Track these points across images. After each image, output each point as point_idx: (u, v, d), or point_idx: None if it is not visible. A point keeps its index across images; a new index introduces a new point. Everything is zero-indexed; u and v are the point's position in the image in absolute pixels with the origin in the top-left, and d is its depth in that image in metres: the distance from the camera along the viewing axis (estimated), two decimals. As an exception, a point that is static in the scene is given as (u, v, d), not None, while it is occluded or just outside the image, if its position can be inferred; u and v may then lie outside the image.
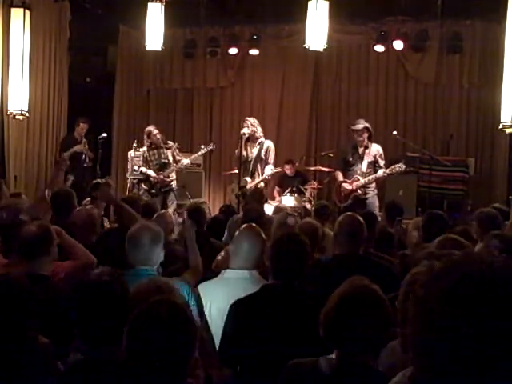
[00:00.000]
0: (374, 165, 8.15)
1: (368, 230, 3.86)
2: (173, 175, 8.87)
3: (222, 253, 4.30)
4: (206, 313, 3.22)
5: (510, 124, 7.53)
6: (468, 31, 10.17)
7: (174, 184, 8.89)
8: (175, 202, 8.83)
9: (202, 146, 9.09)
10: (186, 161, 8.84)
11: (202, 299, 3.24)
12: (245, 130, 8.54)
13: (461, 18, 10.00)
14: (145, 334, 1.86)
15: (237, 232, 3.48)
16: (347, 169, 8.28)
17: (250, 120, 8.70)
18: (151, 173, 8.71)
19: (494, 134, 9.82)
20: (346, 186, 8.20)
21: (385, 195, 9.42)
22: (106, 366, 2.18)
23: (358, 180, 8.10)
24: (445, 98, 10.61)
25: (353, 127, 8.40)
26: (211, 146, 9.09)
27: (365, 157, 8.13)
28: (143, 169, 8.80)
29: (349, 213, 4.07)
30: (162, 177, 8.70)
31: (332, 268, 3.59)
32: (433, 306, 0.97)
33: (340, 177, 8.33)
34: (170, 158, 8.81)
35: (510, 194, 9.13)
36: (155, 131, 8.78)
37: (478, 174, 10.11)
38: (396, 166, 8.06)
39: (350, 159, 8.24)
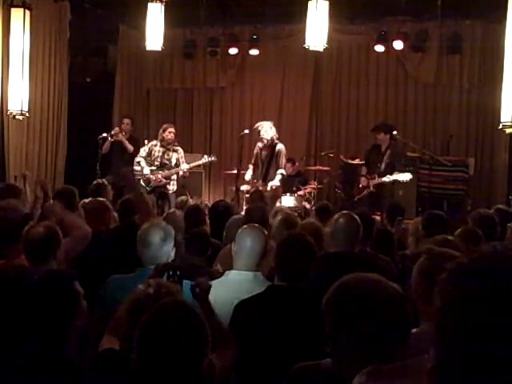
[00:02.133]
0: (391, 166, 8.59)
1: (364, 230, 3.85)
2: (173, 178, 8.84)
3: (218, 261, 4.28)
4: None
5: (510, 124, 7.53)
6: (468, 31, 10.18)
7: (171, 187, 8.84)
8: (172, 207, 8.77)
9: (205, 156, 9.08)
10: (184, 166, 8.82)
11: None
12: (266, 136, 8.42)
13: (461, 18, 10.00)
14: (156, 337, 1.84)
15: (239, 231, 3.46)
16: (370, 165, 8.84)
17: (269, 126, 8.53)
18: (146, 170, 8.70)
19: (494, 134, 9.82)
20: (363, 180, 8.73)
21: (385, 195, 9.42)
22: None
23: (375, 178, 8.56)
24: (445, 98, 10.61)
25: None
26: (212, 158, 9.04)
27: (384, 157, 8.66)
28: (142, 162, 8.74)
29: (345, 211, 4.07)
30: (159, 176, 8.68)
31: (327, 266, 3.58)
32: (472, 308, 0.91)
33: (363, 171, 8.91)
34: (173, 161, 8.80)
35: (510, 194, 9.14)
36: (172, 129, 8.83)
37: (477, 173, 10.12)
38: (401, 175, 8.34)
39: (372, 157, 8.86)
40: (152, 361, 1.83)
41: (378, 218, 7.03)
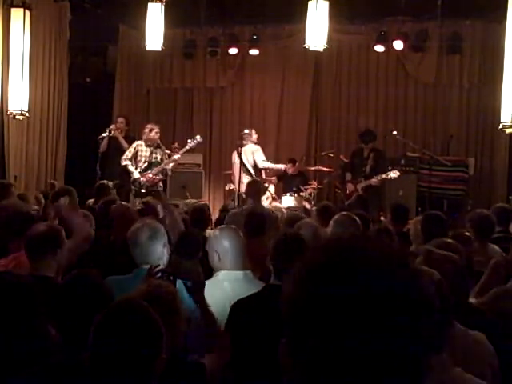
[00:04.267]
0: (375, 168, 8.78)
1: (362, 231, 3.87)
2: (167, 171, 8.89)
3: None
4: None
5: (510, 124, 7.53)
6: (468, 31, 10.17)
7: (161, 184, 8.86)
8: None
9: (189, 140, 9.01)
10: (175, 156, 8.81)
11: None
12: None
13: (461, 18, 10.00)
14: (106, 337, 1.85)
15: (215, 234, 3.49)
16: (354, 170, 9.02)
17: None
18: (136, 174, 8.61)
19: (494, 134, 9.81)
20: (350, 186, 8.91)
21: (385, 195, 9.45)
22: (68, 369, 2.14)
23: (361, 181, 8.76)
24: (445, 98, 10.61)
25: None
26: (198, 139, 8.99)
27: (368, 161, 8.84)
28: (130, 167, 8.64)
29: (344, 212, 4.08)
30: (150, 175, 8.63)
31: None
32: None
33: (348, 177, 9.10)
34: (159, 157, 8.78)
35: (510, 194, 9.14)
36: (157, 129, 8.79)
37: (477, 173, 10.11)
38: (390, 172, 8.55)
39: (355, 162, 9.04)
40: (103, 357, 1.85)
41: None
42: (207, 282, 3.38)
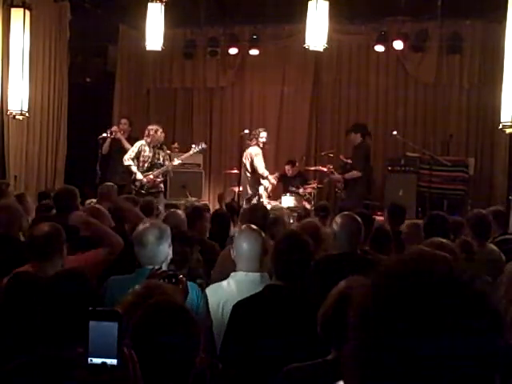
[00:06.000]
0: (351, 165, 9.16)
1: (364, 229, 3.88)
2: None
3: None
4: (219, 314, 3.21)
5: (510, 124, 7.52)
6: (468, 31, 10.18)
7: (162, 185, 8.84)
8: (163, 203, 8.74)
9: (193, 146, 9.01)
10: (176, 161, 8.80)
11: (214, 300, 3.24)
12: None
13: (461, 18, 10.01)
14: (149, 337, 1.84)
15: (236, 235, 3.49)
16: None
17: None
18: (139, 175, 8.57)
19: (494, 134, 9.81)
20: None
21: (384, 195, 9.46)
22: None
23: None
24: (445, 98, 10.61)
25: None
26: (202, 145, 8.98)
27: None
28: (133, 167, 8.58)
29: (346, 212, 4.08)
30: (151, 177, 8.60)
31: (331, 268, 3.59)
32: (378, 313, 0.86)
33: None
34: (161, 159, 8.75)
35: (509, 194, 9.13)
36: (161, 129, 8.76)
37: (477, 173, 10.11)
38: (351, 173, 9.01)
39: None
40: (145, 359, 1.83)
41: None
42: (224, 283, 3.39)
